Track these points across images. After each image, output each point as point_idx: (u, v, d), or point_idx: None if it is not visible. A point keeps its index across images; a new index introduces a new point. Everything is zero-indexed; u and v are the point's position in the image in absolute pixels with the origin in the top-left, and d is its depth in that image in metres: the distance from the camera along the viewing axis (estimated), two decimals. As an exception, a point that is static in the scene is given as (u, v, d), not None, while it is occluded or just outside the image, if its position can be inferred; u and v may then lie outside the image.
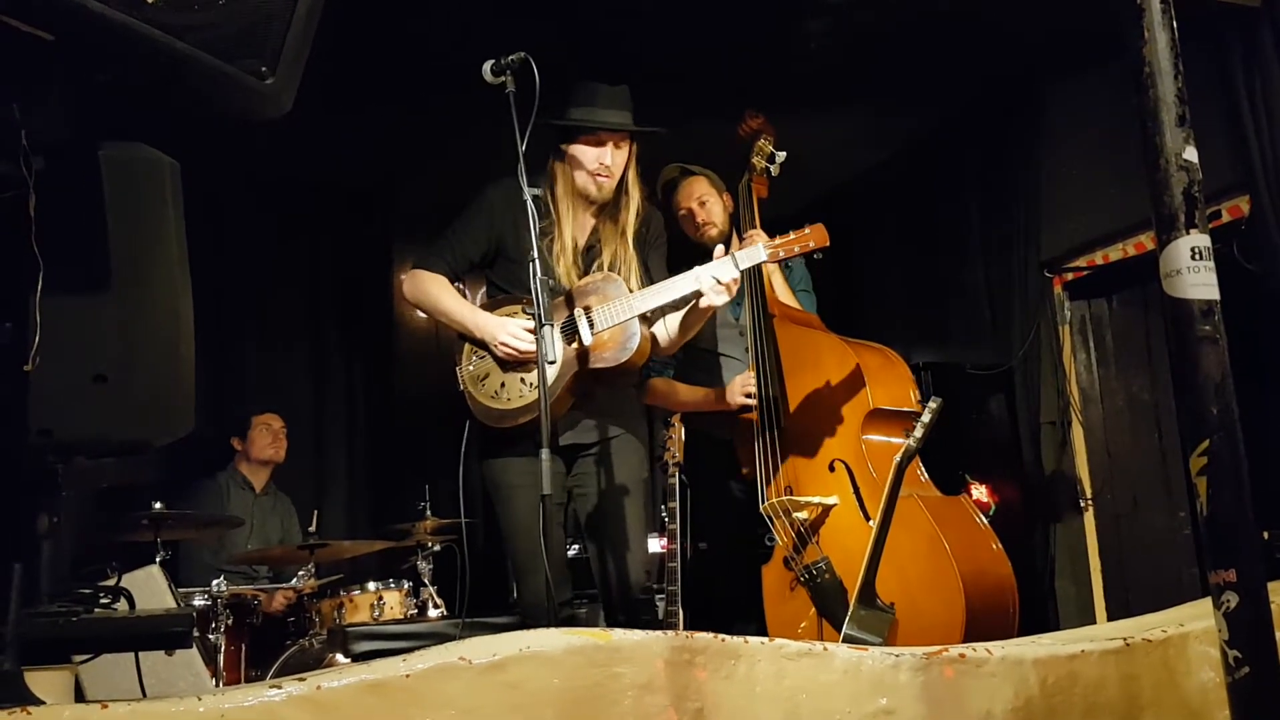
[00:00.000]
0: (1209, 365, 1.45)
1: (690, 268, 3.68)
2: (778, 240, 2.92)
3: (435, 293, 3.02)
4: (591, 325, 2.86)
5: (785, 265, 3.75)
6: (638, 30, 4.41)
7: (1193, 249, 1.47)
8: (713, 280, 2.83)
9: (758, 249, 2.90)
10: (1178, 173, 1.49)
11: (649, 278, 3.02)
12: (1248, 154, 3.98)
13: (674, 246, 3.29)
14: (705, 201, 3.71)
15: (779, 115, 3.69)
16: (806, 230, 2.90)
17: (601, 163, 2.98)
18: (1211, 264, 1.48)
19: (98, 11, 1.53)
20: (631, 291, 2.91)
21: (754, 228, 3.54)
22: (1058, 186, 4.99)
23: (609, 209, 3.05)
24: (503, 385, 2.92)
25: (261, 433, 4.98)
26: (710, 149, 3.77)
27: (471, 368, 2.98)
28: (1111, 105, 4.49)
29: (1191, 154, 1.49)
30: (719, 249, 2.92)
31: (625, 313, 2.85)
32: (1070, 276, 5.06)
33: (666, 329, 3.06)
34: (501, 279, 3.07)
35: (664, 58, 4.45)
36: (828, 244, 2.89)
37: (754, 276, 3.49)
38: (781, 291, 3.67)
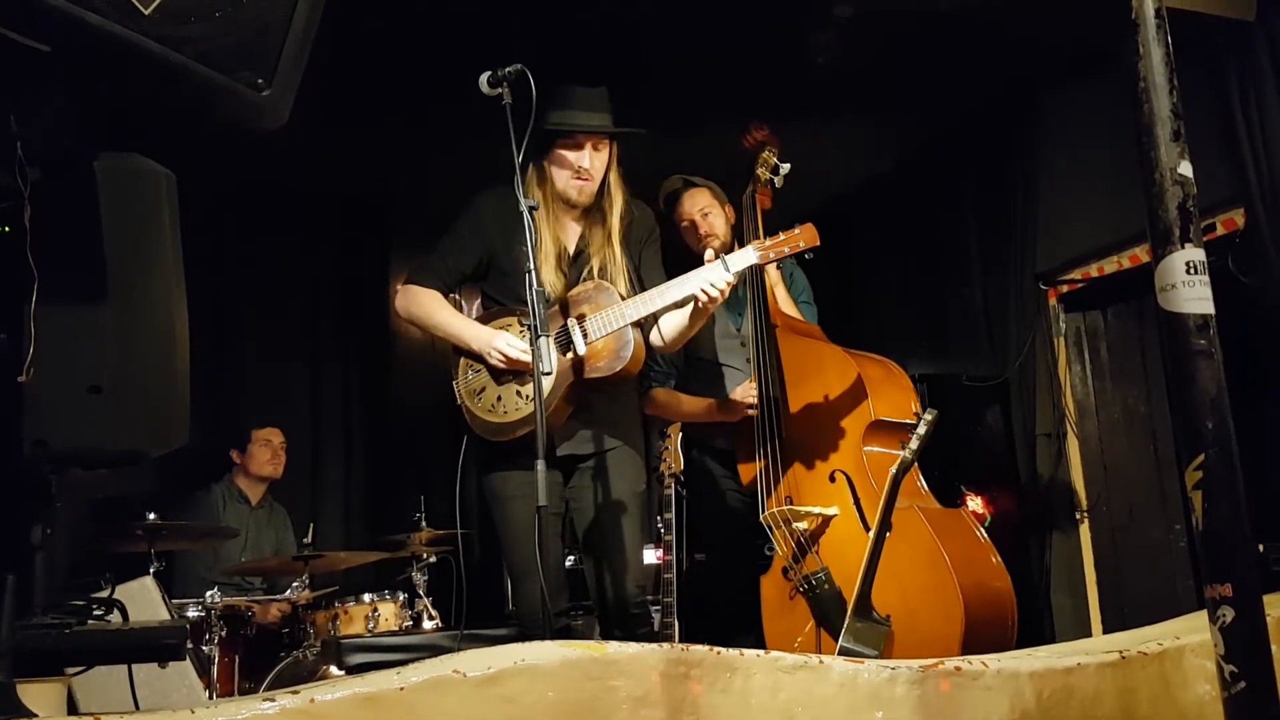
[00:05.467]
0: (1204, 379, 1.45)
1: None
2: (768, 242, 2.89)
3: (429, 307, 3.01)
4: (585, 335, 2.86)
5: (786, 275, 3.76)
6: (641, 40, 4.42)
7: (1188, 263, 1.48)
8: (705, 283, 2.80)
9: (748, 251, 2.87)
10: (1173, 187, 1.49)
11: (639, 280, 3.01)
12: (1242, 167, 4.00)
13: (677, 256, 3.28)
14: (708, 213, 3.72)
15: (779, 125, 3.70)
16: (796, 230, 2.87)
17: (581, 166, 2.95)
18: (1206, 278, 1.48)
19: (94, 23, 1.53)
20: (623, 295, 2.90)
21: (758, 238, 3.53)
22: (1053, 199, 5.01)
23: (594, 213, 3.03)
24: (499, 399, 2.91)
25: (261, 448, 4.96)
26: (712, 159, 3.78)
27: (468, 381, 2.97)
28: (1108, 119, 4.51)
29: (1186, 168, 1.50)
30: (709, 253, 2.89)
31: (618, 320, 2.83)
32: (1066, 289, 5.07)
33: (661, 332, 3.03)
34: (494, 290, 3.06)
35: (667, 67, 4.46)
36: (818, 243, 2.86)
37: (756, 287, 3.49)
38: (784, 302, 3.67)
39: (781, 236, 2.88)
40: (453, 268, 3.03)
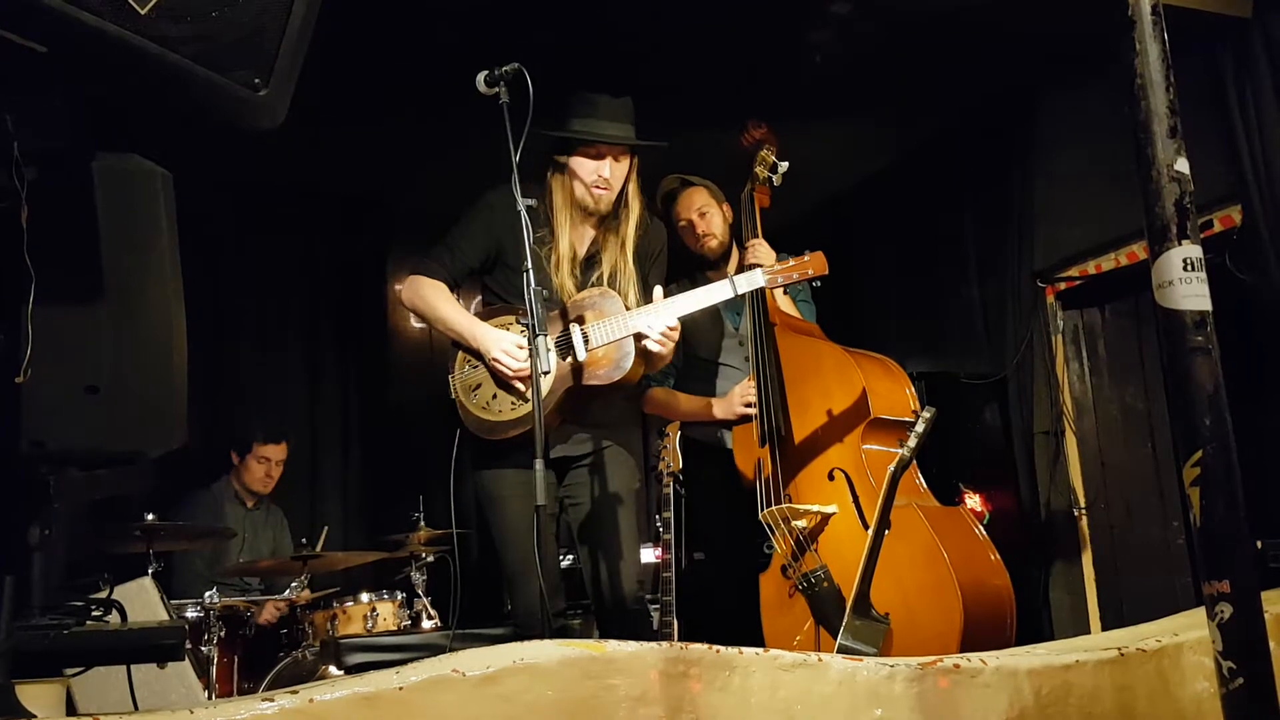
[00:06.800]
0: (1202, 376, 1.45)
1: (688, 278, 3.70)
2: (778, 267, 3.00)
3: (433, 299, 3.01)
4: (586, 341, 2.85)
5: None
6: (639, 39, 4.42)
7: (1185, 260, 1.48)
8: (713, 301, 2.91)
9: (757, 274, 2.96)
10: (1169, 184, 1.49)
11: (647, 292, 3.02)
12: (1239, 163, 4.00)
13: (673, 257, 3.29)
14: (705, 213, 3.72)
15: (779, 124, 3.70)
16: (806, 257, 2.98)
17: (600, 175, 2.96)
18: (1204, 275, 1.48)
19: (91, 24, 1.53)
20: (629, 306, 2.90)
21: (756, 237, 3.55)
22: (1051, 196, 5.01)
23: (609, 220, 3.04)
24: (494, 397, 2.91)
25: (258, 464, 4.91)
26: (710, 158, 3.77)
27: (464, 376, 2.97)
28: (1105, 116, 4.51)
29: (1183, 165, 1.50)
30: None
31: (621, 330, 2.83)
32: (1063, 286, 5.07)
33: None
34: (499, 286, 3.06)
35: (664, 67, 4.46)
36: (826, 272, 2.98)
37: (754, 285, 3.50)
38: (782, 301, 3.67)
39: (791, 262, 3.00)
40: (460, 260, 3.03)
